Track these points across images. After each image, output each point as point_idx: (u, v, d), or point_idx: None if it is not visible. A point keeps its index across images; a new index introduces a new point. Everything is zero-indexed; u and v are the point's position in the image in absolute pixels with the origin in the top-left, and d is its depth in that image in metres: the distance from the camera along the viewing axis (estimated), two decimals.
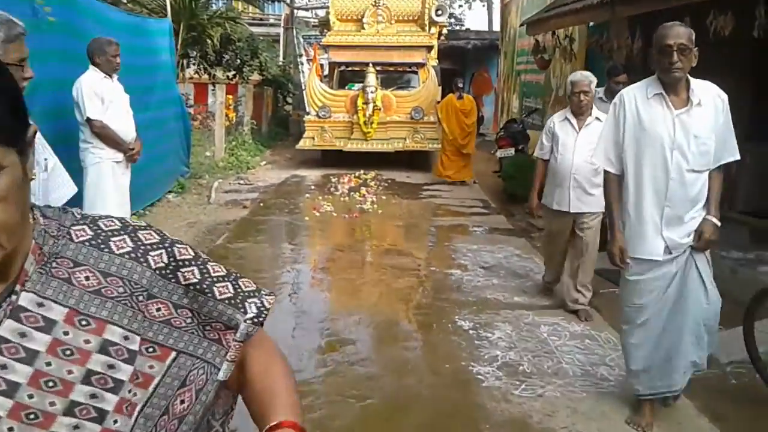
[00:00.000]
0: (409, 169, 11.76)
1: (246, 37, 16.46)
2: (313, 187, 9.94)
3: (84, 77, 4.98)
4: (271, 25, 24.59)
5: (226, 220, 7.46)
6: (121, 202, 5.29)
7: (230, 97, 12.25)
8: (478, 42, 20.41)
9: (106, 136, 5.03)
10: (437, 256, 6.16)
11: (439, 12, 13.12)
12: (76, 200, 5.51)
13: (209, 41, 14.14)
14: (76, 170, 5.22)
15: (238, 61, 16.33)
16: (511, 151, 9.62)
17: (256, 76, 17.44)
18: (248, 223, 7.39)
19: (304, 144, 11.71)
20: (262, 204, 8.47)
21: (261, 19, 25.90)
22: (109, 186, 5.12)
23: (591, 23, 8.70)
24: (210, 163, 11.11)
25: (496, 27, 28.49)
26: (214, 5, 18.05)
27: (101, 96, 4.98)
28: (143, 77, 7.56)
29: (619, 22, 7.40)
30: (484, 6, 41.31)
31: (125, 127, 5.21)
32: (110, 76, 5.13)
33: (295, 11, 21.09)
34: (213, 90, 17.64)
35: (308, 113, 11.95)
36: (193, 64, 16.58)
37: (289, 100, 19.22)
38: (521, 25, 9.39)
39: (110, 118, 5.04)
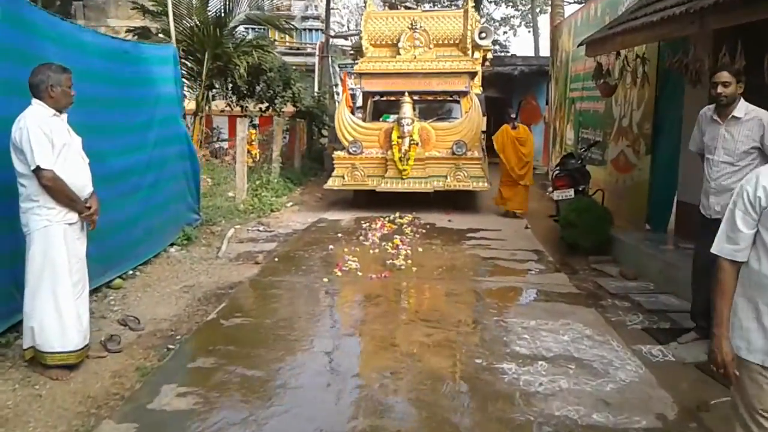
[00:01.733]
0: (451, 211, 10.43)
1: (278, 66, 15.60)
2: (340, 234, 8.69)
3: (28, 114, 3.83)
4: (308, 54, 23.84)
5: (230, 282, 6.25)
6: (78, 277, 4.10)
7: (253, 132, 11.18)
8: (525, 68, 19.06)
9: (57, 191, 3.86)
10: (483, 340, 4.76)
11: (483, 35, 11.86)
12: (20, 273, 4.41)
13: (236, 71, 13.25)
14: (16, 234, 4.10)
15: (270, 92, 15.49)
16: (570, 193, 8.20)
17: (289, 108, 16.56)
18: (254, 287, 6.16)
19: (333, 183, 10.51)
20: (277, 259, 7.24)
21: (298, 49, 25.18)
22: (61, 255, 3.93)
23: (661, 42, 7.33)
24: (229, 206, 9.99)
25: (543, 53, 27.19)
26: (245, 34, 17.24)
27: (50, 138, 3.83)
28: (136, 112, 6.51)
29: (705, 38, 6.01)
30: (529, 32, 40.11)
31: (80, 178, 4.04)
32: (59, 113, 3.99)
33: (331, 39, 20.14)
34: (251, 123, 16.77)
35: (343, 148, 10.76)
36: (221, 96, 15.70)
37: (325, 132, 18.17)
38: (580, 44, 8.06)
39: (63, 168, 3.88)
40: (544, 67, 18.52)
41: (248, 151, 10.96)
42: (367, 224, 9.26)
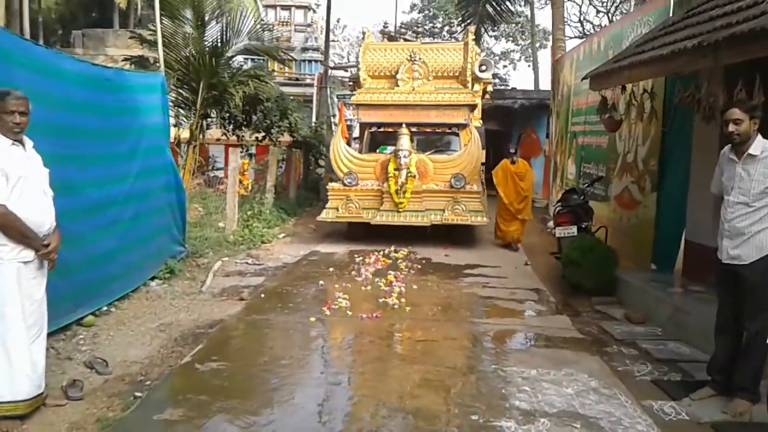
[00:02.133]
0: (448, 245, 10.09)
1: (275, 96, 15.43)
2: (331, 269, 8.32)
3: None
4: (307, 85, 23.74)
5: (210, 321, 5.87)
6: (33, 320, 3.71)
7: (246, 161, 10.90)
8: (526, 101, 18.87)
9: (8, 227, 3.50)
10: (480, 392, 4.36)
11: (483, 67, 11.66)
12: None
13: (231, 101, 13.02)
14: None
15: (267, 121, 15.29)
16: (573, 230, 7.85)
17: (286, 138, 16.35)
18: (236, 326, 5.77)
19: (326, 215, 10.17)
20: (263, 295, 6.86)
21: (297, 79, 25.11)
22: (12, 296, 3.56)
23: (670, 76, 7.06)
24: (218, 238, 9.64)
25: (543, 86, 27.07)
26: (243, 63, 17.08)
27: (5, 170, 3.50)
28: (118, 142, 6.21)
29: (719, 72, 5.73)
30: (529, 66, 40.16)
31: (39, 214, 3.67)
32: (21, 144, 3.66)
33: (330, 71, 20.01)
34: (242, 153, 16.50)
35: (338, 179, 10.46)
36: (215, 125, 15.48)
37: (321, 162, 17.93)
38: (584, 78, 7.80)
39: (18, 202, 3.54)
40: (544, 100, 18.36)
41: (240, 181, 10.65)
42: (361, 258, 8.91)
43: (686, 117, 6.90)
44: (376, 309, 6.35)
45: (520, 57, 43.07)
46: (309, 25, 25.28)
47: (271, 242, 10.21)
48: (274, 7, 24.89)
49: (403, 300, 6.66)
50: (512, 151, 10.89)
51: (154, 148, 7.02)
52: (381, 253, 9.30)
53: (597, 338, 5.71)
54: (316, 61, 23.81)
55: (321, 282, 7.48)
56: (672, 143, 7.42)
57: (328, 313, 6.16)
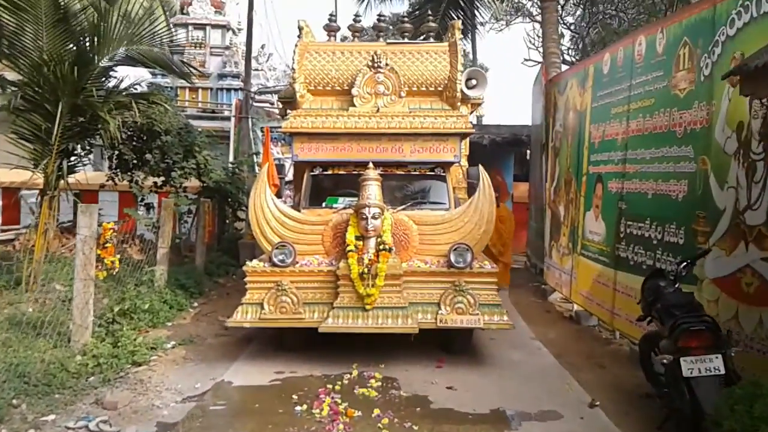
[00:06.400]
0: (443, 360, 6.23)
1: (178, 128, 11.49)
2: None
3: None
4: (225, 118, 19.62)
5: None
6: None
7: (108, 225, 6.73)
8: (497, 137, 15.37)
9: None
10: None
11: (473, 81, 8.02)
12: None
13: (106, 132, 8.99)
14: None
15: (167, 161, 11.34)
16: (719, 365, 4.07)
17: (194, 183, 12.40)
18: None
19: (243, 317, 6.05)
20: None
21: (213, 111, 20.98)
22: None
23: None
24: (53, 363, 5.44)
25: (486, 120, 23.49)
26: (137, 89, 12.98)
27: None
28: None
29: None
30: None
31: None
32: None
33: (251, 101, 16.02)
34: (141, 203, 12.29)
35: (262, 253, 6.50)
36: (88, 164, 11.26)
37: (241, 215, 13.82)
38: (727, 75, 4.20)
39: None
40: (519, 135, 15.02)
41: (100, 259, 6.49)
42: (304, 406, 4.94)
43: None
44: None
45: None
46: (227, 48, 21.32)
47: (148, 362, 6.04)
48: (185, 25, 20.83)
49: None
50: (496, 195, 9.38)
51: None
52: (338, 386, 5.36)
53: None
54: (235, 89, 19.84)
55: None
56: None
57: None
